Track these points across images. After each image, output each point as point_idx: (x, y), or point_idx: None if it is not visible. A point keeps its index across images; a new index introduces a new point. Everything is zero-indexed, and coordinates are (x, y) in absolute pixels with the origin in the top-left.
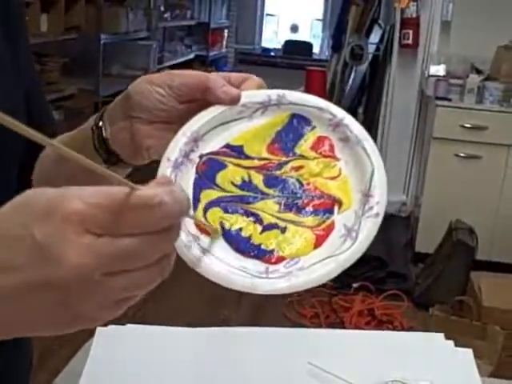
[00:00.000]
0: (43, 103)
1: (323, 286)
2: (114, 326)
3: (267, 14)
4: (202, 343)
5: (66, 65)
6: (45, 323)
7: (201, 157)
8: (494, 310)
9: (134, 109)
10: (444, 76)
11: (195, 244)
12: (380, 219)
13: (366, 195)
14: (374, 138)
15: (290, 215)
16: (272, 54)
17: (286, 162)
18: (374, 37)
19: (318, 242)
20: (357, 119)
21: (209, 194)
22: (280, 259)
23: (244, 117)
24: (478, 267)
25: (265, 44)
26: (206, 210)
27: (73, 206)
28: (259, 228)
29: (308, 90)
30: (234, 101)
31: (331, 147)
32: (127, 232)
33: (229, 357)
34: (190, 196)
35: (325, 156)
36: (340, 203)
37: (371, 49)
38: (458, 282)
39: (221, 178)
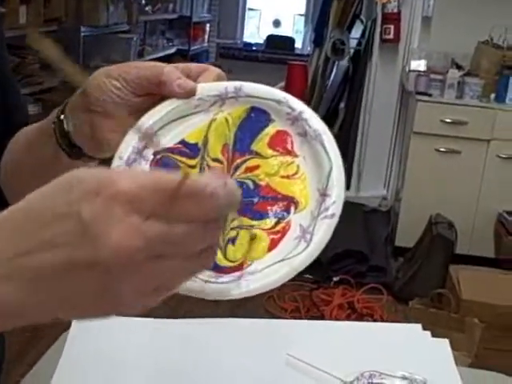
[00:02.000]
0: (18, 98)
1: (304, 279)
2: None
3: (249, 9)
4: (179, 334)
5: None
6: (82, 306)
7: (155, 154)
8: (473, 302)
9: (91, 102)
10: (425, 71)
11: None
12: (335, 220)
13: (323, 194)
14: (355, 132)
15: (244, 219)
16: (254, 48)
17: (242, 163)
18: (356, 32)
19: (272, 245)
20: (338, 114)
21: None
22: (233, 269)
23: (201, 111)
24: (458, 261)
25: (247, 39)
26: None
27: (123, 185)
28: None
29: (289, 85)
30: (189, 94)
31: (290, 142)
32: (175, 218)
33: (207, 348)
34: None
35: (282, 153)
36: (296, 203)
37: (353, 43)
38: (437, 276)
39: None
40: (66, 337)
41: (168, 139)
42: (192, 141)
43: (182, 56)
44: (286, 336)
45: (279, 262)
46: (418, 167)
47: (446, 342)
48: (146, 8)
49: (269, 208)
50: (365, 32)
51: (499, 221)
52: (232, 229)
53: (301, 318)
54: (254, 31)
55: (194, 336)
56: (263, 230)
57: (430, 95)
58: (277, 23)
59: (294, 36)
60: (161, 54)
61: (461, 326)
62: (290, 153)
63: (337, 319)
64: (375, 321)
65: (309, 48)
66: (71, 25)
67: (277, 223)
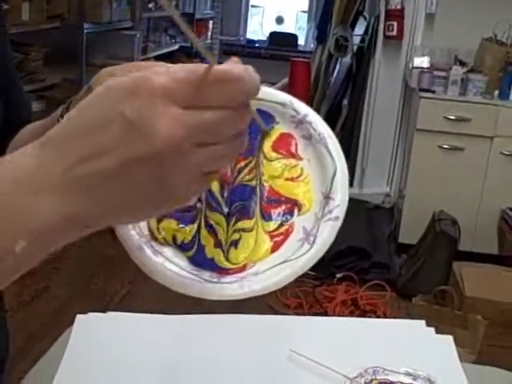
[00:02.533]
0: (21, 95)
1: (307, 276)
2: (93, 314)
3: (252, 6)
4: (182, 330)
5: (49, 54)
6: (141, 205)
7: None
8: (476, 299)
9: None
10: (428, 68)
11: (148, 245)
12: (339, 223)
13: (327, 197)
14: (359, 129)
15: (247, 222)
16: (257, 45)
17: (246, 165)
18: (359, 28)
19: (276, 247)
20: (341, 111)
21: None
22: (236, 271)
23: None
24: (461, 258)
25: (250, 36)
26: (159, 221)
27: (159, 81)
28: (213, 241)
29: (292, 82)
30: None
31: (294, 145)
32: (210, 104)
33: (210, 343)
34: None
35: (286, 156)
36: (300, 206)
37: (356, 40)
38: (440, 273)
39: None
40: (69, 333)
41: None
42: None
43: (185, 53)
44: (289, 332)
45: (282, 263)
46: (421, 164)
47: (449, 338)
48: (150, 5)
49: (272, 210)
50: (368, 29)
51: (502, 218)
52: (235, 231)
53: (304, 315)
54: (258, 28)
55: (197, 332)
56: (266, 232)
57: (433, 92)
58: (280, 20)
59: (297, 33)
60: (164, 51)
61: (464, 322)
62: (294, 155)
63: (340, 316)
64: (378, 317)
65: (312, 45)
66: (74, 21)
67: (280, 225)
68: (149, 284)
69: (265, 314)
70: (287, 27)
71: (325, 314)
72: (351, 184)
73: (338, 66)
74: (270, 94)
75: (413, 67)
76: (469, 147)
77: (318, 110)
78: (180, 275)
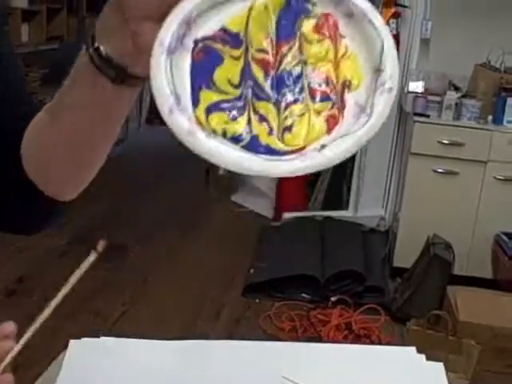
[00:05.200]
0: (24, 101)
1: (301, 299)
2: (87, 339)
3: None
4: (175, 356)
5: (47, 75)
6: None
7: (196, 42)
8: (470, 324)
9: (129, 8)
10: (422, 92)
11: (200, 130)
12: (394, 94)
13: (378, 70)
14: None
15: (297, 107)
16: None
17: (289, 50)
18: None
19: (331, 126)
20: None
21: (208, 96)
22: (295, 151)
23: None
24: (455, 282)
25: None
26: (208, 113)
27: None
28: (267, 130)
29: None
30: None
31: (335, 24)
32: None
33: (203, 370)
34: (188, 88)
35: (329, 36)
36: (349, 83)
37: None
38: (434, 297)
39: (218, 75)
40: (62, 357)
41: (208, 27)
42: (234, 29)
43: None
44: (281, 358)
45: (341, 137)
46: (415, 188)
47: (440, 365)
48: None
49: (321, 92)
50: None
51: (496, 242)
52: (286, 117)
53: (298, 338)
54: None
55: (190, 358)
56: (318, 113)
57: (427, 116)
58: None
59: None
60: None
61: (458, 347)
62: (336, 35)
63: (334, 340)
64: (372, 342)
65: None
66: (72, 42)
67: (332, 106)
68: (143, 307)
69: (259, 337)
70: None
71: (319, 337)
72: (346, 207)
73: None
74: None
75: (408, 92)
76: (463, 171)
77: None
78: (238, 154)
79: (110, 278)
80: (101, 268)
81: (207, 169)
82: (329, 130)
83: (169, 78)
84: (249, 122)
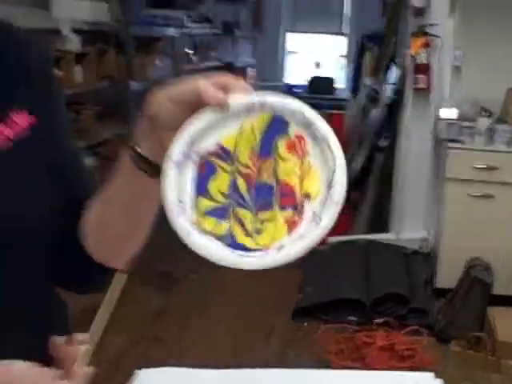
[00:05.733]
0: (82, 176)
1: (347, 322)
2: (153, 369)
3: (290, 52)
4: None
5: (100, 112)
6: None
7: (198, 156)
8: (509, 344)
9: (159, 121)
10: (456, 119)
11: (195, 230)
12: (339, 206)
13: (330, 185)
14: (396, 176)
15: (267, 214)
16: (295, 90)
17: (267, 166)
18: (392, 75)
19: (290, 230)
20: (375, 161)
21: (204, 203)
22: (262, 249)
23: (232, 117)
24: (497, 302)
25: (289, 81)
26: (204, 216)
27: None
28: (243, 232)
29: None
30: (223, 106)
31: (304, 144)
32: None
33: None
34: (190, 192)
35: (298, 154)
36: (309, 195)
37: (389, 88)
38: (475, 318)
39: (212, 186)
40: None
41: (208, 143)
42: (227, 146)
43: None
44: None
45: (297, 240)
46: (453, 211)
47: None
48: (192, 58)
49: (288, 202)
50: (399, 79)
51: None
52: (259, 222)
53: (344, 360)
54: (296, 73)
55: None
56: (283, 219)
57: (461, 142)
58: (318, 65)
59: (335, 77)
60: None
61: (497, 367)
62: (303, 153)
63: (379, 361)
64: (415, 363)
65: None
66: (122, 80)
67: (294, 213)
68: (198, 332)
69: (307, 359)
70: (326, 72)
71: (363, 360)
72: (388, 230)
73: (371, 116)
74: (285, 101)
75: (441, 118)
76: (498, 195)
77: (353, 158)
78: (221, 250)
79: (166, 305)
80: (156, 295)
81: None
82: (289, 233)
83: (175, 186)
84: (230, 225)
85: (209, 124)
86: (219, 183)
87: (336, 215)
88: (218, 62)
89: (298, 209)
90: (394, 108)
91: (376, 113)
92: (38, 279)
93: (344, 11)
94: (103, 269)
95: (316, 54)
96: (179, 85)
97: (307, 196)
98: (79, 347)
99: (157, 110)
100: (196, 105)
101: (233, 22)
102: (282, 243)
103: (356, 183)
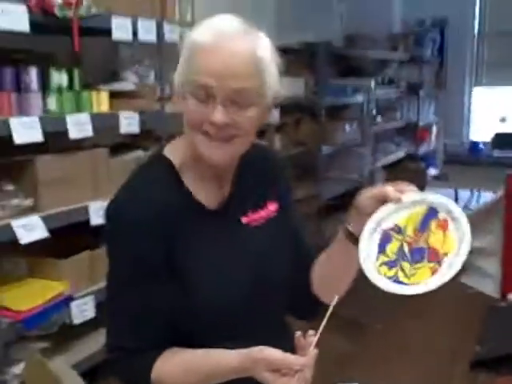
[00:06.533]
0: (305, 242)
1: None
2: None
3: (474, 107)
4: None
5: (294, 174)
6: None
7: (382, 230)
8: None
9: (362, 212)
10: None
11: (376, 271)
12: (464, 258)
13: (459, 248)
14: None
15: (419, 265)
16: (479, 147)
17: (421, 237)
18: None
19: (432, 274)
20: None
21: (382, 258)
22: (414, 284)
23: (404, 208)
24: None
25: (473, 137)
26: (381, 265)
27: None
28: (403, 275)
29: (506, 195)
30: (399, 201)
31: (446, 223)
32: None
33: None
34: (375, 252)
35: (443, 229)
36: (446, 253)
37: None
38: None
39: (389, 248)
40: None
41: (389, 223)
42: (400, 225)
43: (410, 159)
44: None
45: (436, 280)
46: None
47: None
48: (377, 119)
49: (433, 258)
50: None
51: None
52: (414, 269)
53: None
54: (481, 129)
55: None
56: (429, 268)
57: None
58: (504, 119)
59: None
60: (391, 159)
61: None
62: (446, 229)
63: None
64: None
65: None
66: (314, 145)
67: (435, 264)
68: (379, 379)
69: None
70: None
71: None
72: None
73: None
74: (437, 199)
75: None
76: None
77: None
78: (391, 284)
79: (352, 351)
80: (343, 342)
81: None
82: (432, 275)
83: (367, 245)
84: (396, 271)
85: (390, 211)
86: (392, 246)
87: (462, 264)
88: (402, 121)
89: (439, 262)
90: None
91: None
92: (280, 313)
93: None
94: (318, 304)
95: (502, 107)
96: (374, 191)
97: (445, 254)
98: (310, 338)
99: (362, 202)
100: (383, 201)
101: (417, 83)
102: (427, 281)
103: None
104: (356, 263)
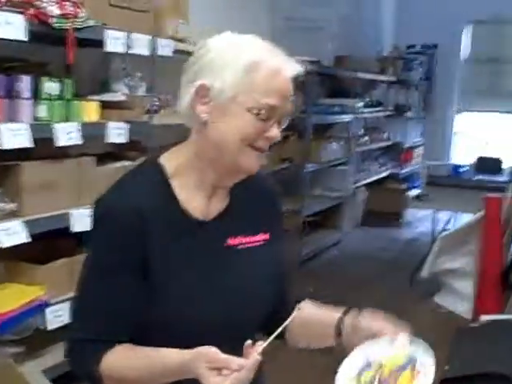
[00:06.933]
0: (286, 289)
1: None
2: None
3: (458, 132)
4: None
5: (277, 189)
6: None
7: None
8: None
9: (357, 330)
10: None
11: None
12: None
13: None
14: None
15: None
16: (461, 170)
17: (396, 375)
18: None
19: None
20: None
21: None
22: None
23: (394, 348)
24: None
25: (455, 160)
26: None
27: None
28: None
29: (484, 217)
30: (395, 337)
31: (418, 368)
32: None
33: None
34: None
35: (416, 372)
36: None
37: None
38: None
39: (364, 375)
40: None
41: (373, 357)
42: (383, 362)
43: (393, 179)
44: None
45: None
46: None
47: None
48: (363, 139)
49: None
50: None
51: None
52: None
53: None
54: (464, 152)
55: None
56: None
57: None
58: (487, 144)
59: (505, 157)
60: (373, 179)
61: None
62: (417, 372)
63: None
64: None
65: None
66: (299, 162)
67: None
68: None
69: None
70: (494, 152)
71: None
72: None
73: None
74: (418, 350)
75: None
76: None
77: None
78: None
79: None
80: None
81: (412, 273)
82: None
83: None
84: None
85: (382, 344)
86: (367, 374)
87: None
88: (389, 142)
89: None
90: None
91: None
92: (249, 334)
93: None
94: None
95: (485, 133)
96: (377, 320)
97: None
98: (258, 346)
99: (362, 324)
100: (380, 334)
101: (404, 105)
102: None
103: None
104: (328, 342)
